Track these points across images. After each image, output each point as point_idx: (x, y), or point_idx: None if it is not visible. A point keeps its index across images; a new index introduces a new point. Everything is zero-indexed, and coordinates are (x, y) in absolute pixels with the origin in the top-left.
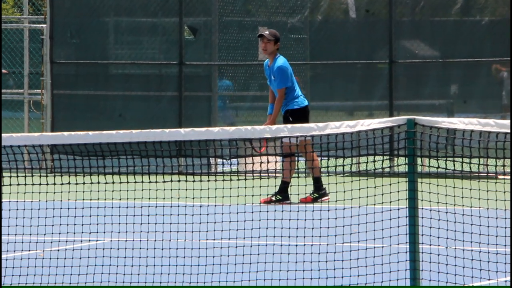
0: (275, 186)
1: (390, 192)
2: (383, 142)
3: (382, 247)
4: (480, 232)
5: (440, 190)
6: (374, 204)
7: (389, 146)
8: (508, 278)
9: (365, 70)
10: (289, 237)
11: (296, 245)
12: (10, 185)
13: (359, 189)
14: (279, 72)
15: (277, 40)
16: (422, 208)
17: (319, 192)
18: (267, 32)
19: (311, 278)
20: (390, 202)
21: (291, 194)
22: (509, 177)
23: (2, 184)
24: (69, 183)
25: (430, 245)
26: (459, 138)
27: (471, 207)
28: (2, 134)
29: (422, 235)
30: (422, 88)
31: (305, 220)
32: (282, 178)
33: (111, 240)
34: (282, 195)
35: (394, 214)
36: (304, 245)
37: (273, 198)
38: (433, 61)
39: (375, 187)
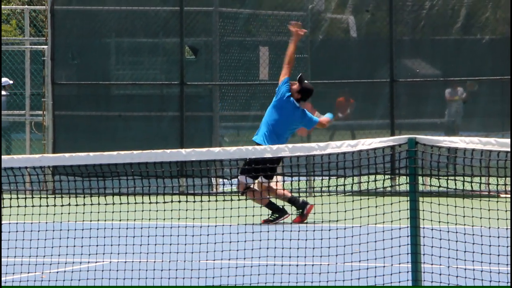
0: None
1: (392, 211)
2: (384, 161)
3: (384, 266)
4: (481, 251)
5: (441, 209)
6: (376, 224)
7: (390, 165)
8: None
9: (366, 89)
10: (290, 257)
11: (297, 265)
12: (11, 206)
13: (361, 209)
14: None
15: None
16: (424, 227)
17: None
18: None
19: None
20: (392, 221)
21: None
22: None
23: (2, 205)
24: (69, 204)
25: (432, 264)
26: (461, 157)
27: (472, 226)
28: (3, 156)
29: (424, 254)
30: (423, 107)
31: (306, 240)
32: (264, 205)
33: (110, 262)
34: (278, 213)
35: (396, 233)
36: (305, 265)
37: (270, 218)
38: (434, 80)
39: (376, 207)
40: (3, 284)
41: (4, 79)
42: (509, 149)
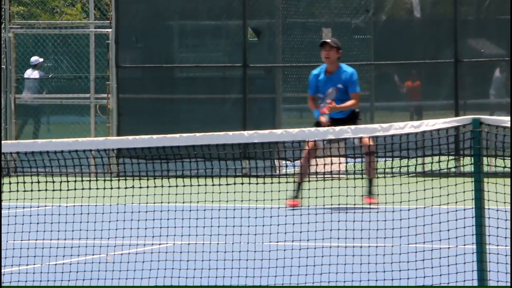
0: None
1: (456, 193)
2: (448, 142)
3: (449, 248)
4: None
5: (506, 190)
6: (440, 205)
7: (454, 146)
8: None
9: (430, 70)
10: (353, 238)
11: (361, 247)
12: (76, 189)
13: (424, 190)
14: (353, 77)
15: (339, 48)
16: (489, 208)
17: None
18: (329, 40)
19: (376, 280)
20: (456, 202)
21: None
22: None
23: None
24: (133, 186)
25: (497, 245)
26: None
27: None
28: (68, 139)
29: (489, 235)
30: (488, 87)
31: (370, 221)
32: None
33: (174, 244)
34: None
35: (460, 214)
36: (369, 246)
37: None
38: (499, 60)
39: (440, 188)
40: (66, 270)
41: (34, 58)
42: None
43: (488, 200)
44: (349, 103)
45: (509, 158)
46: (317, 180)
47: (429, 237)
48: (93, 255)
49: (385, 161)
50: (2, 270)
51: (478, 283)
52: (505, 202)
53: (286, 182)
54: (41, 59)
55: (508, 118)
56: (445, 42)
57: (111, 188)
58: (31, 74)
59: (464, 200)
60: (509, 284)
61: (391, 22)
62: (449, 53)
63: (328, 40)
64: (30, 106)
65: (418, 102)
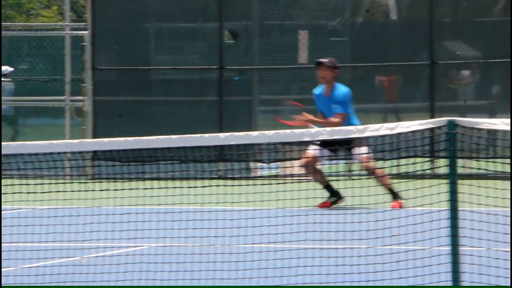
0: (314, 189)
1: (431, 194)
2: (423, 144)
3: (423, 249)
4: None
5: (481, 192)
6: (415, 206)
7: (429, 148)
8: None
9: (406, 72)
10: (329, 240)
11: (337, 248)
12: (51, 191)
13: (400, 191)
14: (345, 97)
15: (335, 68)
16: (463, 210)
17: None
18: (326, 60)
19: (351, 281)
20: (431, 204)
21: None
22: None
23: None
24: (108, 189)
25: (472, 247)
26: (500, 139)
27: None
28: (43, 142)
29: (464, 237)
30: (464, 89)
31: (345, 223)
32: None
33: (149, 246)
34: (336, 195)
35: (435, 216)
36: (344, 248)
37: (330, 201)
38: (474, 62)
39: (415, 189)
40: (40, 272)
41: (4, 68)
42: None
43: (463, 202)
44: (330, 119)
45: (484, 160)
46: (292, 182)
47: (404, 239)
48: (68, 257)
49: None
50: None
51: (452, 284)
52: (479, 204)
53: (262, 184)
54: (11, 69)
55: (483, 120)
56: (421, 44)
57: (87, 191)
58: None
59: (439, 202)
60: (482, 285)
61: (367, 24)
62: (425, 55)
63: (324, 60)
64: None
65: (394, 104)
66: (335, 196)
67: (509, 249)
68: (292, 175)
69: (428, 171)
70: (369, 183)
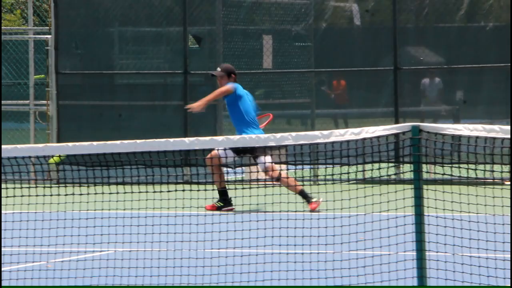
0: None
1: (396, 199)
2: (388, 149)
3: (389, 254)
4: (486, 238)
5: (446, 197)
6: (380, 212)
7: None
8: None
9: (370, 77)
10: (295, 245)
11: (302, 253)
12: (15, 196)
13: (365, 197)
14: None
15: (229, 73)
16: (428, 215)
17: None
18: (218, 69)
19: (317, 286)
20: (396, 209)
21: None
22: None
23: (0, 197)
24: (73, 193)
25: (437, 252)
26: (465, 145)
27: (477, 213)
28: (7, 146)
29: (429, 242)
30: (428, 95)
31: (311, 228)
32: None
33: (115, 251)
34: (225, 202)
35: (400, 221)
36: (310, 253)
37: (216, 205)
38: (438, 68)
39: (380, 195)
40: (5, 277)
41: None
42: None
43: (428, 207)
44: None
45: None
46: (258, 187)
47: (370, 244)
48: (33, 262)
49: (326, 168)
50: None
51: None
52: (444, 209)
53: (228, 189)
54: None
55: (447, 125)
56: (385, 50)
57: (51, 195)
58: None
59: (404, 207)
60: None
61: (331, 29)
62: (389, 60)
63: (216, 71)
64: None
65: (358, 109)
66: (223, 202)
67: (474, 254)
68: (257, 180)
69: (393, 176)
70: (333, 188)
